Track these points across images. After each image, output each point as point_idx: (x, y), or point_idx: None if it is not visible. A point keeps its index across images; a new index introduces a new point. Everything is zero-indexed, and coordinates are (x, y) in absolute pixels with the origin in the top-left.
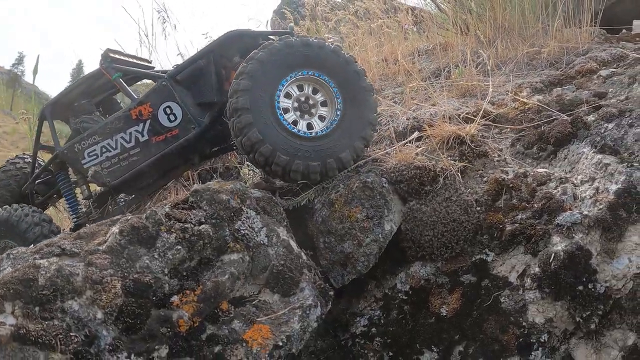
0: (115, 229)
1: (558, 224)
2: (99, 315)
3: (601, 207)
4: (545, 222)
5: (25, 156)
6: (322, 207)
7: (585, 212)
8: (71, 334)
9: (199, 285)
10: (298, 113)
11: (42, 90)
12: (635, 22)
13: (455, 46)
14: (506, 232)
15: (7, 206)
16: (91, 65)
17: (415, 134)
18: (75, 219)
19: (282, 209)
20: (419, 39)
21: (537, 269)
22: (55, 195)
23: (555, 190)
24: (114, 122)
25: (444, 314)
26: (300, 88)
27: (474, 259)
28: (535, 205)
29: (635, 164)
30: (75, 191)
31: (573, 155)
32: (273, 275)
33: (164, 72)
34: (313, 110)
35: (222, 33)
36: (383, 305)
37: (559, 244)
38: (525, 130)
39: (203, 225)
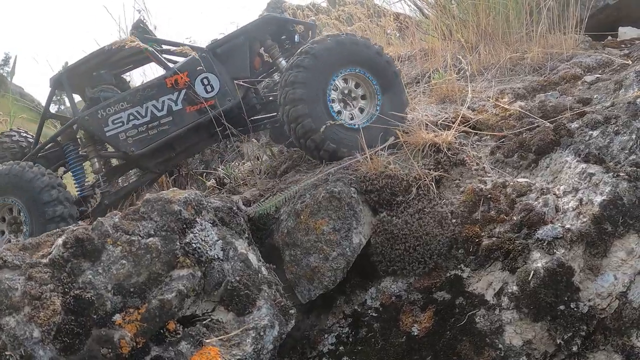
0: (59, 241)
1: (538, 238)
2: (36, 333)
3: (585, 220)
4: (525, 236)
5: (21, 130)
6: (288, 218)
7: (568, 226)
8: (6, 352)
9: (145, 303)
10: (342, 104)
11: (27, 92)
12: (621, 29)
13: (438, 52)
14: (483, 246)
15: (18, 161)
16: None
17: (390, 140)
18: (80, 191)
19: (243, 219)
20: (403, 45)
21: (515, 287)
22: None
23: (536, 202)
24: (145, 90)
25: (416, 334)
26: (345, 81)
27: (448, 274)
28: (515, 218)
29: (621, 174)
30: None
31: (556, 164)
32: (228, 292)
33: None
34: (354, 103)
35: (256, 17)
36: (352, 322)
37: (539, 261)
38: (506, 138)
39: (151, 238)
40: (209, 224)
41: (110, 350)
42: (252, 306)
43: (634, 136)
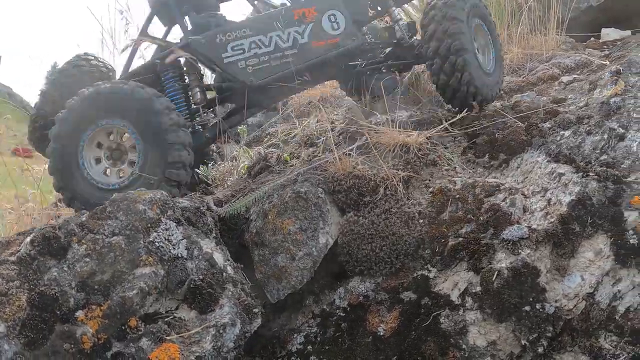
0: (27, 239)
1: (504, 238)
2: (2, 328)
3: (552, 220)
4: (491, 236)
5: (97, 55)
6: (257, 218)
7: (534, 226)
8: None
9: (107, 300)
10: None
11: (16, 92)
12: (604, 31)
13: None
14: (449, 247)
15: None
16: None
17: (362, 140)
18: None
19: (211, 219)
20: None
21: (478, 288)
22: None
23: (503, 202)
24: (270, 19)
25: (382, 334)
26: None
27: (415, 274)
28: (481, 218)
29: (591, 174)
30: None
31: (526, 165)
32: (190, 291)
33: None
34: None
35: None
36: (320, 322)
37: (503, 261)
38: (478, 138)
39: (115, 237)
40: (174, 224)
41: (72, 345)
42: (214, 304)
43: (605, 136)
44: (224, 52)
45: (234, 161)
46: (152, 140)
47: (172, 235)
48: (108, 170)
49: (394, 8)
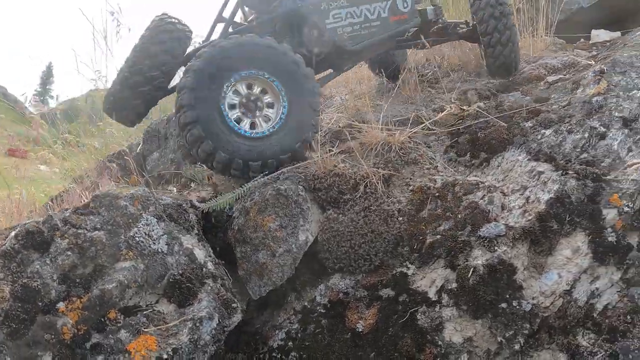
0: (12, 233)
1: (480, 235)
2: None
3: (530, 217)
4: (468, 233)
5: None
6: (240, 215)
7: (512, 224)
8: None
9: (88, 292)
10: None
11: (11, 92)
12: (594, 32)
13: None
14: (427, 244)
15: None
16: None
17: (345, 139)
18: None
19: (194, 216)
20: None
21: (454, 285)
22: None
23: (482, 200)
24: None
25: (360, 330)
26: None
27: (394, 271)
28: (459, 216)
29: (570, 172)
30: None
31: (507, 163)
32: (170, 285)
33: None
34: None
35: None
36: (301, 318)
37: (479, 258)
38: (460, 137)
39: (96, 232)
40: (155, 219)
41: (53, 336)
42: (193, 298)
43: (586, 135)
44: (326, 19)
45: None
46: (297, 99)
47: (153, 230)
48: (241, 120)
49: None
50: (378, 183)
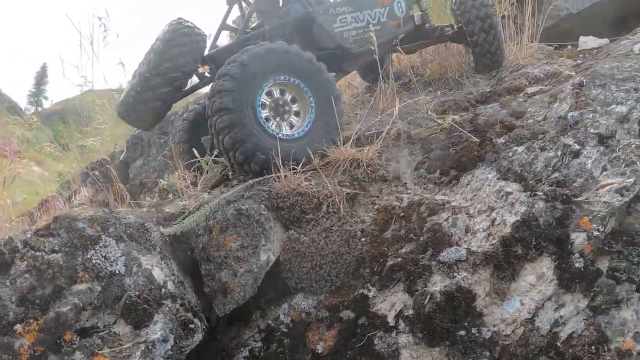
0: None
1: (440, 260)
2: None
3: (494, 242)
4: (429, 257)
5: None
6: (204, 233)
7: (474, 248)
8: None
9: (45, 314)
10: None
11: (4, 92)
12: (582, 39)
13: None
14: (387, 266)
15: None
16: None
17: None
18: None
19: (156, 235)
20: None
21: (411, 311)
22: None
23: (445, 222)
24: (364, 1)
25: (320, 352)
26: None
27: (356, 293)
28: (422, 238)
29: (538, 193)
30: None
31: (476, 182)
32: (126, 306)
33: None
34: None
35: None
36: (265, 336)
37: (438, 284)
38: (432, 152)
39: (54, 254)
40: (114, 241)
41: (10, 356)
42: (148, 320)
43: (559, 152)
44: (334, 23)
45: (197, 171)
46: (323, 103)
47: (111, 252)
48: (270, 121)
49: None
50: (341, 203)
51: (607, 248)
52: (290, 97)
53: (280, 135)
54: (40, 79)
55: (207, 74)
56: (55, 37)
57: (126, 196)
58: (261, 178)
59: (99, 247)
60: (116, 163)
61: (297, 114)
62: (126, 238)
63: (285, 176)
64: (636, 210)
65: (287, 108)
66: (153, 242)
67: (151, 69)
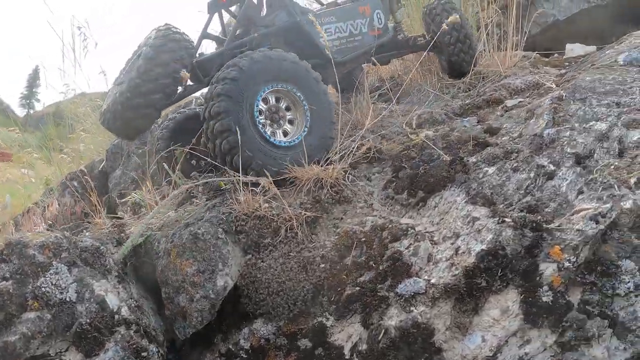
0: None
1: (398, 292)
2: None
3: (456, 272)
4: (388, 288)
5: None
6: (163, 255)
7: (434, 280)
8: None
9: None
10: None
11: None
12: (568, 46)
13: (369, 75)
14: (344, 296)
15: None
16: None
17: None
18: None
19: (111, 260)
20: None
21: (365, 346)
22: None
23: (407, 250)
24: (347, 11)
25: None
26: None
27: (315, 321)
28: (381, 267)
29: (507, 220)
30: None
31: (444, 204)
32: (77, 334)
33: None
34: None
35: None
36: None
37: (394, 318)
38: (401, 171)
39: (4, 282)
40: (65, 267)
41: None
42: (99, 349)
43: (532, 174)
44: (320, 33)
45: (169, 185)
46: (318, 111)
47: (62, 279)
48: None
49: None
50: (300, 228)
51: (579, 279)
52: (285, 105)
53: (276, 141)
54: (33, 81)
55: (189, 82)
56: (52, 39)
57: (104, 208)
58: (222, 199)
59: (50, 274)
60: (95, 173)
61: (291, 122)
62: (80, 263)
63: (245, 198)
64: (612, 238)
65: (281, 115)
66: (108, 266)
67: (142, 74)
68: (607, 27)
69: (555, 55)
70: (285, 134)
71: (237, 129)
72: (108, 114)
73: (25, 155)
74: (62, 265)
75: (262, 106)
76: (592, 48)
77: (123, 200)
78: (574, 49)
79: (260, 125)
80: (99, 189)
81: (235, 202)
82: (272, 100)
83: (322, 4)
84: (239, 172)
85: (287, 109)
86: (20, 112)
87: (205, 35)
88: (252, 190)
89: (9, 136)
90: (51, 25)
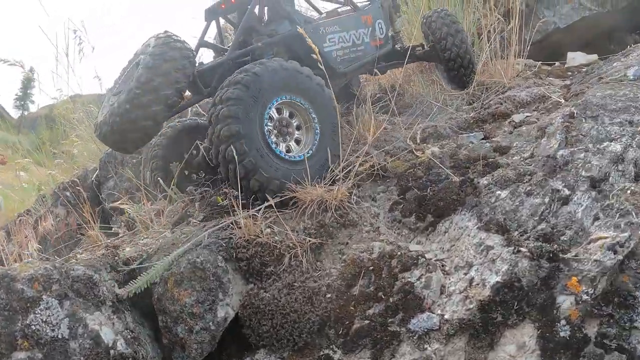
0: None
1: (410, 329)
2: None
3: (471, 306)
4: (399, 322)
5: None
6: (160, 283)
7: (448, 315)
8: None
9: None
10: None
11: None
12: (570, 55)
13: (368, 85)
14: (353, 329)
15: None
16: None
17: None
18: None
19: (104, 288)
20: None
21: None
22: None
23: (418, 281)
24: (350, 21)
25: None
26: None
27: (321, 353)
28: (391, 300)
29: (523, 249)
30: None
31: (455, 230)
32: None
33: None
34: None
35: None
36: None
37: (407, 355)
38: (408, 192)
39: None
40: (56, 301)
41: None
42: None
43: (547, 199)
44: (324, 42)
45: (165, 200)
46: (327, 130)
47: (53, 314)
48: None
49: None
50: (304, 255)
51: (596, 311)
52: (294, 118)
53: (282, 154)
54: (27, 82)
55: (187, 92)
56: (47, 41)
57: (97, 219)
58: (221, 224)
59: (40, 309)
60: (88, 183)
61: (298, 137)
62: (72, 295)
63: (245, 223)
64: (630, 267)
65: (290, 130)
66: (102, 297)
67: (142, 84)
68: (606, 34)
69: (557, 64)
70: (288, 150)
71: (246, 136)
72: (105, 127)
73: (19, 157)
74: (53, 299)
75: (273, 114)
76: (594, 57)
77: (114, 204)
78: (575, 58)
79: (269, 136)
80: (92, 199)
81: (235, 227)
82: (286, 114)
83: (320, 12)
84: (239, 182)
85: (298, 128)
86: (14, 113)
87: (202, 43)
88: (253, 215)
89: (3, 138)
90: (43, 30)
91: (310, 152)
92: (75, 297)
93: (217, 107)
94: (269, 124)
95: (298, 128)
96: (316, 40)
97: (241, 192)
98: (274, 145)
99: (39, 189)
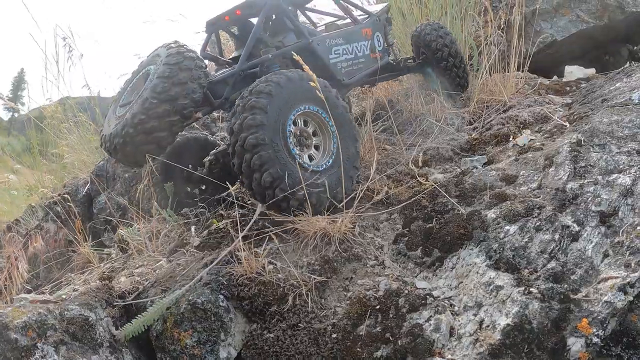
0: None
1: None
2: None
3: (481, 350)
4: None
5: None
6: (159, 320)
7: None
8: None
9: None
10: None
11: None
12: (567, 69)
13: (366, 99)
14: None
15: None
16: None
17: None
18: None
19: (101, 328)
20: None
21: None
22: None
23: (427, 323)
24: (352, 33)
25: None
26: None
27: None
28: (399, 342)
29: (534, 291)
30: None
31: (462, 266)
32: None
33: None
34: None
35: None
36: None
37: None
38: (413, 223)
39: None
40: (52, 348)
41: None
42: None
43: (557, 236)
44: (330, 54)
45: (162, 222)
46: (344, 142)
47: None
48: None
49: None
50: (309, 294)
51: (605, 352)
52: (312, 129)
53: (304, 164)
54: (18, 84)
55: None
56: (37, 47)
57: (89, 236)
58: (220, 256)
59: (35, 359)
60: (79, 197)
61: (316, 147)
62: (68, 339)
63: (246, 259)
64: (639, 307)
65: (308, 142)
66: (99, 339)
67: (158, 94)
68: (600, 46)
69: (555, 77)
70: (310, 158)
71: (271, 145)
72: (116, 139)
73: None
74: (49, 346)
75: (296, 123)
76: (592, 70)
77: (114, 234)
78: (573, 72)
79: (292, 146)
80: (83, 215)
81: (236, 261)
82: (301, 124)
83: (314, 25)
84: (264, 191)
85: (315, 133)
86: (5, 115)
87: (204, 55)
88: (255, 251)
89: None
90: (34, 37)
91: (329, 163)
92: (71, 341)
93: (240, 115)
94: (290, 133)
95: (314, 134)
96: (323, 52)
97: (264, 202)
98: (297, 155)
99: (28, 195)
